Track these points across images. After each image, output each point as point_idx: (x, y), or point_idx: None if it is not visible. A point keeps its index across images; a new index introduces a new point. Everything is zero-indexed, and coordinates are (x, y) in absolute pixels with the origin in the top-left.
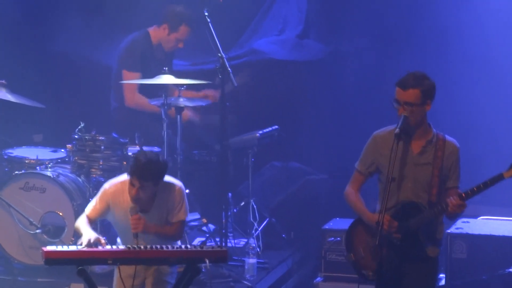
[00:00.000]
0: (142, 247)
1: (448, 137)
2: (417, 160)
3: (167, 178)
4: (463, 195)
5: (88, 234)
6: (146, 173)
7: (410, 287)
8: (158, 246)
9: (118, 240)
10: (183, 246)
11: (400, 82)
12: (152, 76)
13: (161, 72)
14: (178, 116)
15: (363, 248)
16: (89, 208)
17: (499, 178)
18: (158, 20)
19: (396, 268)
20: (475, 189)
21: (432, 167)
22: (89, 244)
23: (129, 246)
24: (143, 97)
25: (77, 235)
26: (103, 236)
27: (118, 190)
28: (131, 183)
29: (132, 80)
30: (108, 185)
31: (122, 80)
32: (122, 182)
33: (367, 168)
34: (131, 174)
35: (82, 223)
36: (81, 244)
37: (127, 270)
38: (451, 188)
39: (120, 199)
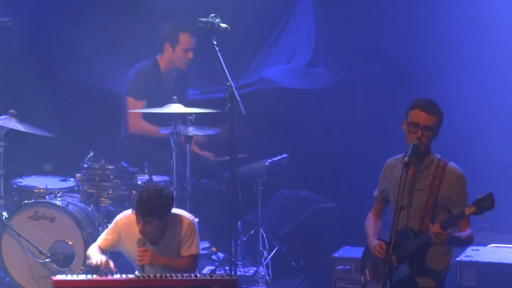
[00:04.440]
0: (151, 276)
1: (450, 164)
2: (411, 186)
3: (179, 211)
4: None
5: (97, 256)
6: (149, 210)
7: None
8: (168, 275)
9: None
10: (192, 275)
11: (423, 106)
12: (160, 104)
13: (170, 101)
14: (188, 145)
15: (369, 272)
16: (101, 239)
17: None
18: (160, 47)
19: None
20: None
21: (427, 195)
22: (96, 267)
23: (139, 275)
24: (147, 124)
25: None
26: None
27: (130, 221)
28: (137, 219)
29: (141, 109)
30: (120, 216)
31: (127, 107)
32: (134, 213)
33: (380, 194)
34: (135, 210)
35: (93, 249)
36: (90, 265)
37: None
38: None
39: (132, 230)
